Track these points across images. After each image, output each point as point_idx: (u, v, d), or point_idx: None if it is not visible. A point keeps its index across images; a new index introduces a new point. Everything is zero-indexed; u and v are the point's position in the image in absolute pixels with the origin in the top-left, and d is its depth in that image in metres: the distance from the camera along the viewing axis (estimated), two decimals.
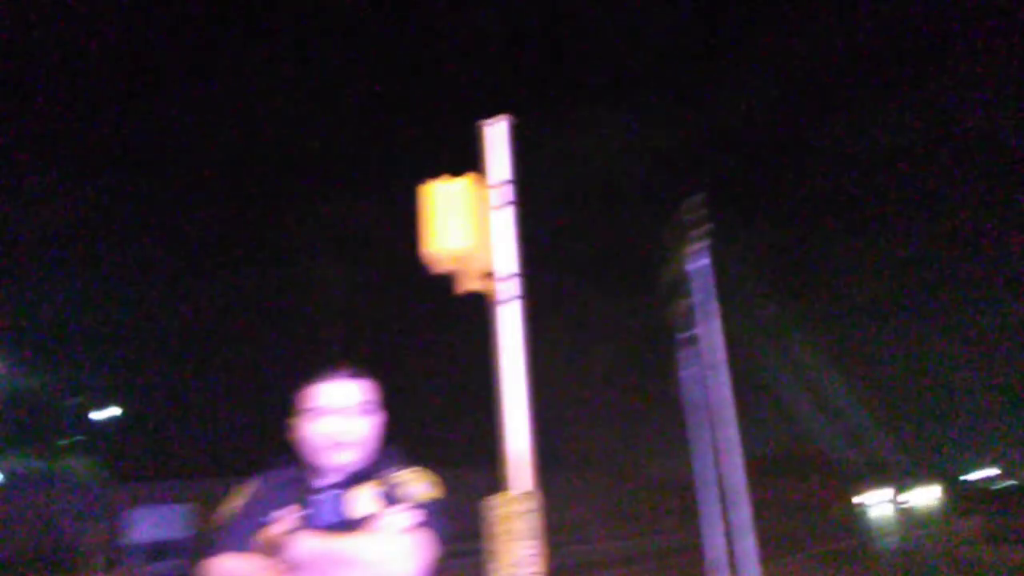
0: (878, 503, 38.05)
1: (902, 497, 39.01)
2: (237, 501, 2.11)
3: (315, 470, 2.11)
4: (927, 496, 38.81)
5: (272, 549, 1.91)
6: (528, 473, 2.50)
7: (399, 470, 2.12)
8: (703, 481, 5.74)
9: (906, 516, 35.65)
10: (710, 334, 4.86)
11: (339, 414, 2.08)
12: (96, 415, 31.79)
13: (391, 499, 2.03)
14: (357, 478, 2.09)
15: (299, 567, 1.88)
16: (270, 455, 2.21)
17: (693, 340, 5.28)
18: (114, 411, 32.17)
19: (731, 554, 5.22)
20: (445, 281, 3.44)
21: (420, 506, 2.03)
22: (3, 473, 27.94)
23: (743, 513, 4.87)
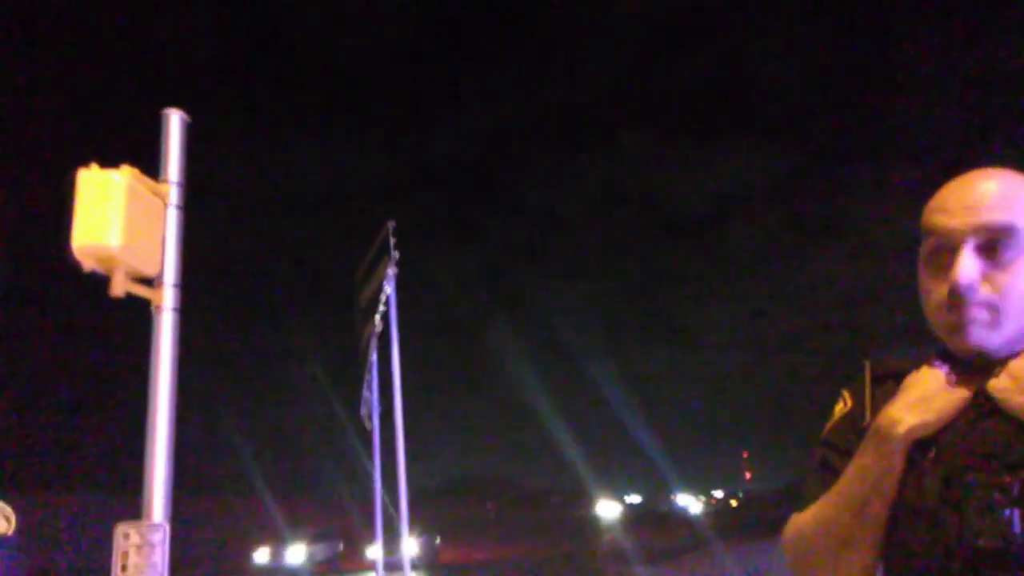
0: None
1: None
2: None
3: None
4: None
5: None
6: (163, 501, 2.28)
7: None
8: (376, 506, 5.84)
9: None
10: (389, 360, 4.97)
11: None
12: None
13: None
14: None
15: None
16: None
17: (371, 366, 5.36)
18: None
19: None
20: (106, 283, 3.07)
21: None
22: None
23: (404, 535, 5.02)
